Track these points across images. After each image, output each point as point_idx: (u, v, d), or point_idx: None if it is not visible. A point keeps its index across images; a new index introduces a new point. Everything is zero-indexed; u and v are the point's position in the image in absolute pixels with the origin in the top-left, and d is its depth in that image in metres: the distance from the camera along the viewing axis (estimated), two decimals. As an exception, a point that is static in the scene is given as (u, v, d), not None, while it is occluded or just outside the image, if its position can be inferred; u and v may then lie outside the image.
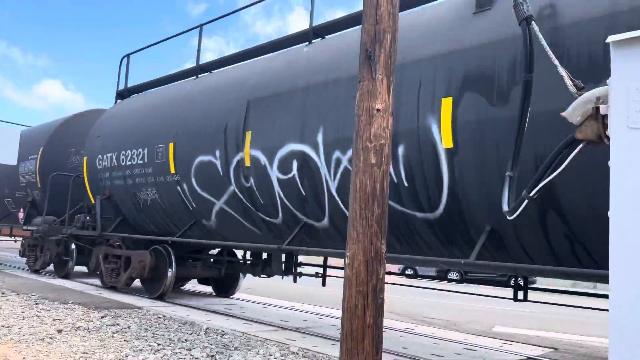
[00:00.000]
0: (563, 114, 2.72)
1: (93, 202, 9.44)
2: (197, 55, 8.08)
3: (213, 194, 6.79)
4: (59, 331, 5.10)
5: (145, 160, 7.81)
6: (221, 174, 6.53)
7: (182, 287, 10.64)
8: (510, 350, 6.16)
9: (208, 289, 10.15)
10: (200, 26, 8.09)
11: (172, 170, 7.30)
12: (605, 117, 2.47)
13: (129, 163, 8.19)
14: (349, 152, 5.08)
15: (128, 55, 9.74)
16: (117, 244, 9.21)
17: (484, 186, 4.23)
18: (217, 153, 6.56)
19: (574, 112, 2.63)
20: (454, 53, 4.43)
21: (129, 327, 5.58)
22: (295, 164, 5.64)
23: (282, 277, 7.39)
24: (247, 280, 12.42)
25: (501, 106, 4.03)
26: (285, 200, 5.90)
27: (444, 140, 4.38)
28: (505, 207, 3.48)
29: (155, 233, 8.44)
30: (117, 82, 9.93)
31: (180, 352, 4.55)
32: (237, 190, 6.41)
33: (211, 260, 8.78)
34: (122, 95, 9.89)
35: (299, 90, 5.73)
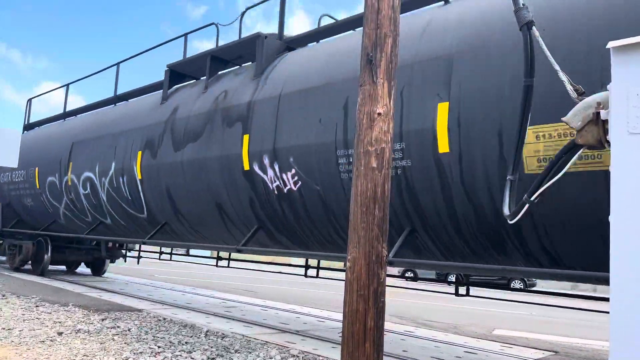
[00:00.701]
0: (564, 118, 2.71)
1: (2, 207, 13.04)
2: (64, 105, 11.67)
3: (58, 202, 10.36)
4: (60, 334, 5.16)
5: (25, 179, 11.40)
6: (59, 189, 10.11)
7: (75, 270, 14.23)
8: (511, 353, 6.18)
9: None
10: (68, 84, 11.67)
11: (38, 186, 10.87)
12: (605, 122, 2.48)
13: (17, 180, 11.78)
14: (108, 177, 8.64)
15: (30, 99, 13.37)
16: (20, 236, 12.78)
17: (155, 201, 7.80)
18: (57, 175, 10.13)
19: (574, 117, 2.63)
20: (146, 127, 8.02)
21: (129, 330, 5.63)
22: (88, 185, 9.21)
23: (109, 261, 10.95)
24: (248, 283, 14.87)
25: (155, 159, 7.61)
26: (89, 207, 9.47)
27: (138, 174, 7.96)
28: (506, 211, 3.41)
29: (39, 228, 12.00)
30: (24, 118, 13.56)
31: (181, 355, 4.56)
32: (67, 200, 9.99)
33: (77, 247, 12.36)
34: (27, 128, 13.48)
35: (93, 139, 9.32)
